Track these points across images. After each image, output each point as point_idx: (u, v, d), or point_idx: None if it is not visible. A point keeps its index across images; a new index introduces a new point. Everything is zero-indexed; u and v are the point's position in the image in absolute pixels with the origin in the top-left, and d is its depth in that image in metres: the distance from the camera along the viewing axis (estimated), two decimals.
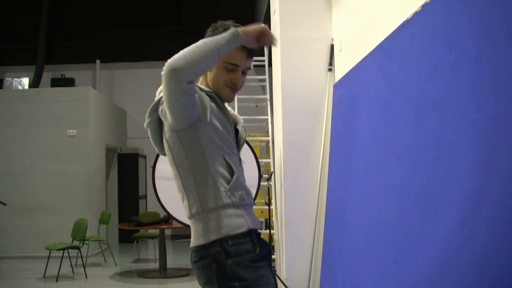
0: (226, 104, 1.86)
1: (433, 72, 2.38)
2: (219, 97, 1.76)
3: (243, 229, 1.62)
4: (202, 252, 1.62)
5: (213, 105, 1.70)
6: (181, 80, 1.49)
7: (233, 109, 1.97)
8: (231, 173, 1.67)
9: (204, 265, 1.62)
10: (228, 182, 1.66)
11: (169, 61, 1.50)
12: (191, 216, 1.67)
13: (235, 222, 1.62)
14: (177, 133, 1.66)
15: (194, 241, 1.66)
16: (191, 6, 9.40)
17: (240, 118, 1.93)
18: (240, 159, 1.79)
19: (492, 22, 1.92)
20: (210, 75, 1.79)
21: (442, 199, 2.19)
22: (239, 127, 1.87)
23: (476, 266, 1.87)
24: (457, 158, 2.09)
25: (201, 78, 1.81)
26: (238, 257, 1.58)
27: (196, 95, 1.60)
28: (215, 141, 1.67)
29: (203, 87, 1.76)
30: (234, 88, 1.77)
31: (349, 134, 3.79)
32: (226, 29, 1.67)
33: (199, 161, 1.65)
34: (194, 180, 1.65)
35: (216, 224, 1.61)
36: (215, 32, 1.72)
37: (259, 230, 1.71)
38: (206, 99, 1.67)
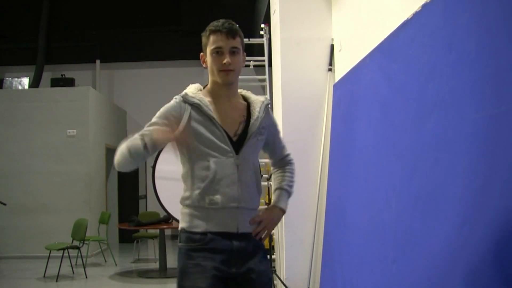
0: (250, 100, 1.95)
1: (433, 72, 2.38)
2: (214, 96, 1.88)
3: (198, 229, 1.82)
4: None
5: (195, 114, 1.81)
6: (126, 170, 1.83)
7: None
8: (207, 177, 1.80)
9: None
10: (202, 186, 1.81)
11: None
12: (180, 204, 1.92)
13: (193, 222, 1.83)
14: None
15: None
16: (191, 6, 9.39)
17: (256, 112, 1.90)
18: (237, 164, 1.82)
19: (492, 22, 1.92)
20: (208, 68, 1.87)
21: (442, 199, 2.19)
22: (252, 121, 1.88)
23: (476, 266, 1.87)
24: (457, 158, 2.09)
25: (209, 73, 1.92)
26: (182, 243, 1.84)
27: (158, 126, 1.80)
28: (198, 147, 1.81)
29: (192, 95, 1.86)
30: (226, 69, 1.82)
31: (349, 134, 3.79)
32: (203, 37, 1.87)
33: (186, 165, 1.87)
34: (183, 180, 1.89)
35: (182, 217, 1.89)
36: (203, 38, 1.88)
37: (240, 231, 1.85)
38: (180, 120, 1.80)
